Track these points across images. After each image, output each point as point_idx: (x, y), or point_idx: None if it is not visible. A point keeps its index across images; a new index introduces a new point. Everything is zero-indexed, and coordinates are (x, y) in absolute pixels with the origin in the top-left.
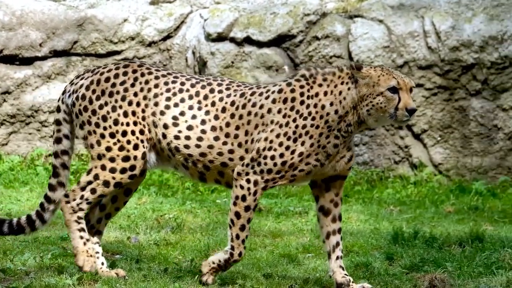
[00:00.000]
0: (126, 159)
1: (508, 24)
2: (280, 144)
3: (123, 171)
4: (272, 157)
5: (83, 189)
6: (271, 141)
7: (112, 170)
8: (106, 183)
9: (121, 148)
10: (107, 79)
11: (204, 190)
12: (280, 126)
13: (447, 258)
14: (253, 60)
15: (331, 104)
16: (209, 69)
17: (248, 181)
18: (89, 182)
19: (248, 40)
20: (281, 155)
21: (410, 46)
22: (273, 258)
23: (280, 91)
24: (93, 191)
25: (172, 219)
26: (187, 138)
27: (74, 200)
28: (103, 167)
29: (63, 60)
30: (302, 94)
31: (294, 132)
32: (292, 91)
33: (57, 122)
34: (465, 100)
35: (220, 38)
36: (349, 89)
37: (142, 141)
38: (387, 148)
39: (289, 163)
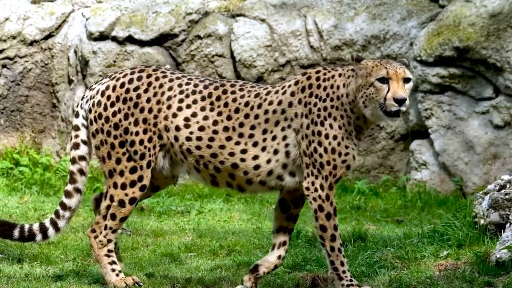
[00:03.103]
0: (133, 170)
1: (391, 23)
2: (313, 133)
3: (132, 184)
4: (315, 150)
5: (105, 217)
6: (306, 136)
7: (123, 186)
8: (121, 203)
9: (129, 159)
10: (122, 85)
11: (86, 190)
12: (306, 116)
13: None
14: (135, 59)
15: (344, 85)
16: (91, 68)
17: (316, 189)
18: (108, 207)
19: (130, 39)
20: (319, 143)
21: (292, 45)
22: (155, 258)
23: (296, 82)
24: (113, 216)
25: None
26: (199, 139)
27: (101, 233)
28: (115, 185)
29: None
30: (318, 79)
31: (319, 116)
32: (309, 78)
33: (75, 128)
34: None
35: (102, 37)
36: (353, 76)
37: (149, 150)
38: None
39: (330, 148)
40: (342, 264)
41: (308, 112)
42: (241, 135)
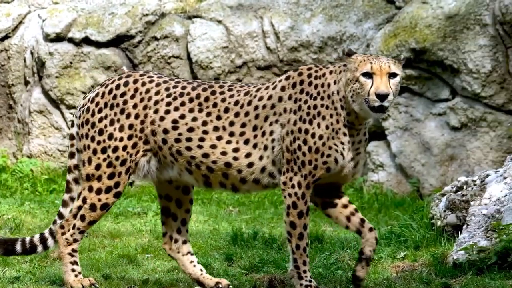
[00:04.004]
0: (111, 176)
1: (347, 25)
2: (299, 130)
3: (108, 190)
4: (299, 147)
5: (75, 216)
6: (292, 132)
7: (98, 191)
8: (92, 207)
9: (109, 165)
10: (110, 91)
11: (43, 191)
12: (294, 112)
13: (286, 258)
14: (91, 60)
15: (334, 82)
16: (47, 70)
17: (293, 186)
18: (79, 208)
19: (87, 41)
20: (305, 142)
21: (249, 46)
22: (112, 259)
23: (287, 78)
24: (82, 218)
25: (11, 219)
26: (188, 140)
27: (69, 231)
28: (90, 189)
29: None
30: (309, 76)
31: (308, 114)
32: (300, 74)
33: (71, 137)
34: None
35: (59, 38)
36: (344, 71)
37: (131, 155)
38: None
39: (315, 148)
40: (304, 263)
41: (297, 108)
42: (232, 134)
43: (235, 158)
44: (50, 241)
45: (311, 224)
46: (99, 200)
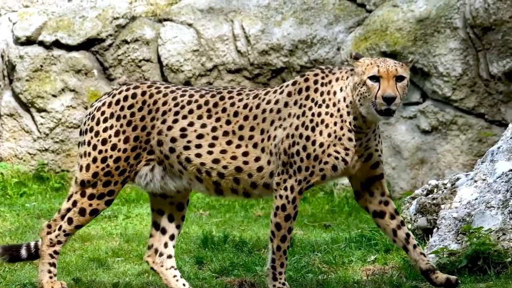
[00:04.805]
0: (107, 183)
1: (318, 28)
2: (300, 136)
3: (100, 196)
4: (298, 152)
5: (62, 217)
6: (292, 136)
7: (91, 197)
8: (82, 212)
9: (107, 174)
10: (117, 102)
11: (13, 194)
12: (298, 117)
13: (257, 262)
14: (62, 63)
15: (341, 89)
16: (18, 73)
17: (285, 188)
18: (68, 210)
19: (57, 44)
20: (304, 148)
21: (219, 49)
22: (82, 262)
23: (294, 83)
24: (69, 221)
25: None
26: (198, 146)
27: (54, 231)
28: (83, 194)
29: None
30: (316, 82)
31: (311, 121)
32: (306, 80)
33: (79, 144)
34: None
35: (29, 41)
36: (351, 75)
37: (131, 166)
38: None
39: (313, 155)
40: (281, 265)
41: (301, 114)
42: (241, 138)
43: (245, 162)
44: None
45: None
46: (90, 205)
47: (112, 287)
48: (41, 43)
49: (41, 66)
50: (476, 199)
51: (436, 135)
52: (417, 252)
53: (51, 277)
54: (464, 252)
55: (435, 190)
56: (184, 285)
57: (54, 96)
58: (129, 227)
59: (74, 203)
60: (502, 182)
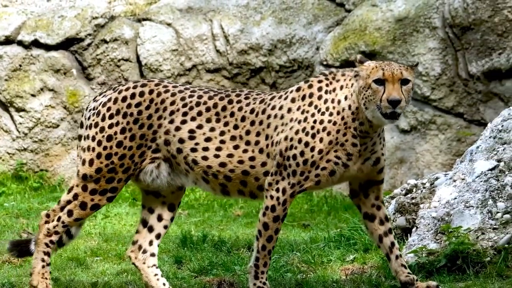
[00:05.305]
0: (110, 180)
1: (297, 28)
2: (299, 141)
3: (103, 192)
4: (294, 157)
5: (62, 209)
6: (291, 139)
7: (93, 192)
8: (83, 205)
9: (111, 170)
10: (124, 99)
11: None
12: (299, 122)
13: (236, 261)
14: (41, 63)
15: (346, 98)
16: None
17: (277, 190)
18: (68, 202)
19: (36, 43)
20: (302, 153)
21: (198, 49)
22: (61, 262)
23: (298, 89)
24: (69, 213)
25: None
26: (205, 149)
27: (53, 221)
28: (85, 188)
29: None
30: (320, 89)
31: (313, 128)
32: (310, 87)
33: (79, 138)
34: None
35: (8, 41)
36: (356, 81)
37: (135, 164)
38: None
39: (311, 161)
40: (264, 265)
41: (303, 119)
42: (248, 143)
43: (252, 167)
44: (65, 238)
45: None
46: (92, 200)
47: (91, 286)
48: (20, 43)
49: (20, 65)
50: (455, 198)
51: (415, 134)
52: (399, 263)
53: (43, 266)
54: (443, 251)
55: (414, 190)
56: (164, 284)
57: (33, 95)
58: (108, 226)
59: (75, 196)
60: (481, 181)
